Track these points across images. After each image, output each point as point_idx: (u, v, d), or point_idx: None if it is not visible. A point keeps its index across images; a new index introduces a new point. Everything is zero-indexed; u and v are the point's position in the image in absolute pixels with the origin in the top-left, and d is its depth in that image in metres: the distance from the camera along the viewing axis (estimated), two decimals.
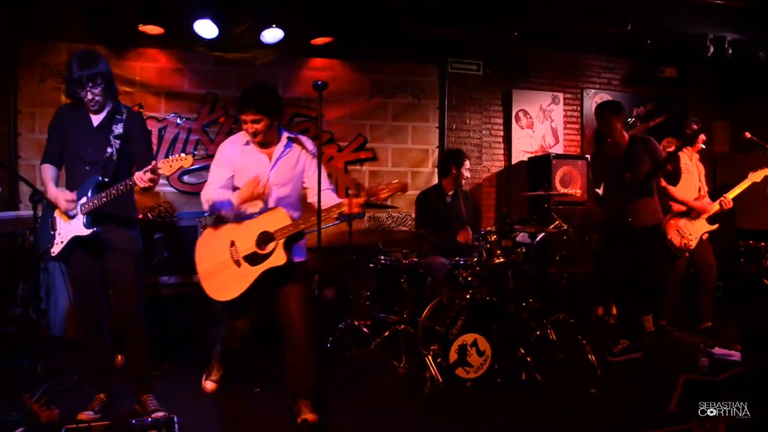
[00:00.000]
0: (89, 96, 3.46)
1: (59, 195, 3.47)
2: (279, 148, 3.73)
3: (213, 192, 3.66)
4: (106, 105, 3.59)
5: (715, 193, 5.84)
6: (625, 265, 5.11)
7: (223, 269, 3.67)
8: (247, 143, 3.73)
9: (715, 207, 5.65)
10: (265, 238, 3.58)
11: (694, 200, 5.68)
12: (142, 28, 5.61)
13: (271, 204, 3.67)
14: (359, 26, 6.13)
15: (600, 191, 5.28)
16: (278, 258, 3.54)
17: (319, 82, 3.18)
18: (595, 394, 4.20)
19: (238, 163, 3.72)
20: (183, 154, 3.30)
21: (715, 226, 5.75)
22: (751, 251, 6.64)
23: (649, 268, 5.13)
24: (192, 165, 3.35)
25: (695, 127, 5.64)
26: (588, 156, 6.87)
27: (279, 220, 3.58)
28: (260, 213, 3.67)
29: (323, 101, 3.37)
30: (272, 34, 5.79)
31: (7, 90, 5.72)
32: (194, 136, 6.17)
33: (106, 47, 5.78)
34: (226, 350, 4.17)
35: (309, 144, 3.82)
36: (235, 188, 3.72)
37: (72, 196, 3.45)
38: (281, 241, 3.54)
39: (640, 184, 4.95)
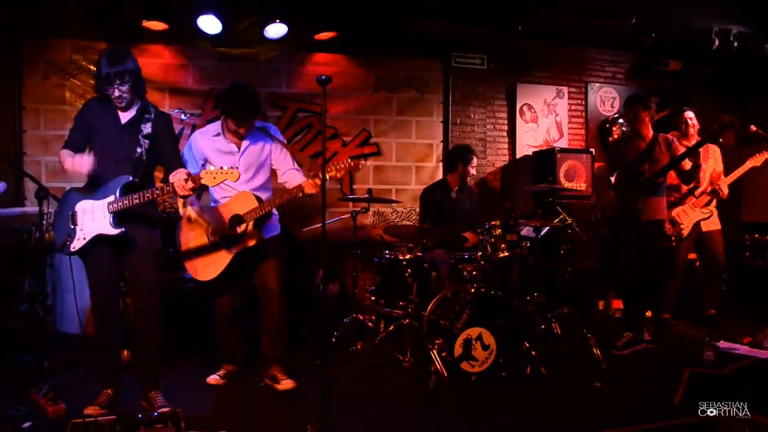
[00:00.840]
0: (116, 93, 3.48)
1: (76, 161, 3.43)
2: (246, 137, 4.12)
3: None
4: (134, 103, 3.61)
5: None
6: (632, 257, 5.14)
7: (202, 251, 4.02)
8: (218, 134, 4.13)
9: (707, 196, 5.69)
10: (236, 221, 3.92)
11: (691, 198, 5.74)
12: (146, 24, 5.63)
13: (242, 188, 4.01)
14: (363, 21, 6.12)
15: (613, 179, 5.31)
16: (250, 238, 3.90)
17: (323, 77, 3.17)
18: (599, 388, 4.19)
19: (209, 152, 4.12)
20: (227, 168, 3.35)
21: (710, 214, 5.75)
22: (756, 245, 6.62)
23: (651, 262, 5.16)
24: (237, 179, 3.42)
25: (687, 118, 5.65)
26: (593, 150, 6.86)
27: (247, 202, 3.91)
28: (229, 197, 4.07)
29: (327, 96, 3.37)
30: (276, 30, 5.79)
31: (12, 87, 5.74)
32: None
33: (109, 44, 5.78)
34: (221, 338, 4.36)
35: (272, 129, 4.26)
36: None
37: (92, 158, 3.43)
38: (251, 223, 3.88)
39: (655, 178, 5.00)
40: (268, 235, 4.11)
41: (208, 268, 3.99)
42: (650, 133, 5.12)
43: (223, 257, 3.94)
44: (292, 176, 4.19)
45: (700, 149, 5.48)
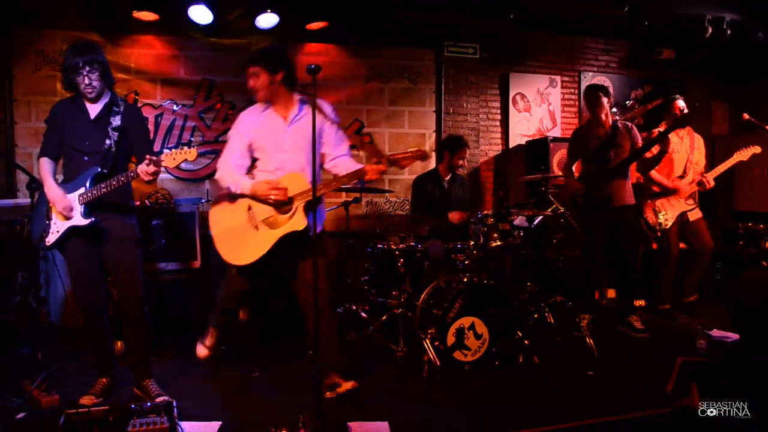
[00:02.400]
0: (86, 81, 3.47)
1: (58, 198, 3.46)
2: (293, 111, 3.74)
3: (229, 169, 3.72)
4: (103, 94, 3.61)
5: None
6: (603, 243, 5.29)
7: (240, 233, 3.69)
8: (265, 109, 3.76)
9: (694, 187, 5.71)
10: (283, 202, 3.60)
11: (673, 180, 5.73)
12: (137, 14, 5.59)
13: (288, 168, 3.69)
14: (354, 11, 6.09)
15: (574, 168, 5.47)
16: (298, 222, 3.54)
17: (312, 66, 3.16)
18: (592, 377, 4.22)
19: (255, 130, 3.74)
20: (186, 148, 3.32)
21: (694, 206, 5.76)
22: (750, 233, 6.64)
23: (624, 248, 5.31)
24: (195, 158, 3.36)
25: (679, 108, 5.67)
26: None
27: (297, 184, 3.58)
28: (277, 177, 3.68)
29: (319, 86, 3.35)
30: (267, 20, 5.77)
31: (2, 79, 5.71)
32: (191, 122, 6.16)
33: (100, 35, 5.77)
34: (220, 311, 4.10)
35: (326, 107, 3.82)
36: (253, 158, 3.80)
37: (70, 203, 3.46)
38: (300, 205, 3.54)
39: (622, 165, 5.18)
40: (319, 228, 3.76)
41: (247, 251, 3.65)
42: (609, 120, 5.30)
43: (265, 240, 3.60)
44: (344, 163, 3.81)
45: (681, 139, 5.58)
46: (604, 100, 5.26)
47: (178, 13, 5.60)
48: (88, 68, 3.45)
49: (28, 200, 4.41)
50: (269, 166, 3.74)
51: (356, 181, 3.67)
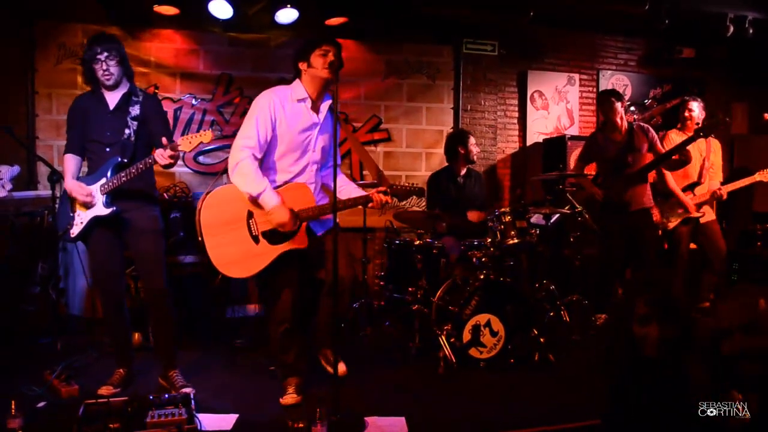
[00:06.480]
0: (104, 67, 3.53)
1: (75, 188, 3.50)
2: (323, 109, 3.63)
3: (252, 168, 3.40)
4: (122, 83, 3.65)
5: (731, 177, 5.78)
6: (620, 246, 5.28)
7: (238, 242, 3.38)
8: (300, 101, 3.56)
9: (706, 197, 5.57)
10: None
11: (687, 193, 5.60)
12: (157, 8, 5.62)
13: (309, 170, 3.60)
14: (374, 6, 6.10)
15: (585, 171, 5.50)
16: (300, 240, 3.40)
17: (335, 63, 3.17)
18: None
19: (285, 123, 3.49)
20: (202, 131, 3.36)
21: (701, 214, 5.63)
22: None
23: (645, 249, 5.28)
24: (211, 140, 3.38)
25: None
26: None
27: (303, 198, 3.43)
28: (285, 183, 3.54)
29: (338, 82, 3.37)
30: (286, 15, 5.79)
31: (25, 71, 5.76)
32: (209, 116, 6.19)
33: (121, 28, 5.80)
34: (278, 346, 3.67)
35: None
36: (272, 155, 3.57)
37: (89, 190, 3.50)
38: (304, 224, 3.42)
39: (644, 171, 5.16)
40: (322, 231, 3.68)
41: (245, 264, 3.38)
42: (624, 124, 5.28)
43: (265, 254, 3.36)
44: (344, 186, 3.66)
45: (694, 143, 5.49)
46: (618, 104, 5.26)
47: (199, 7, 5.62)
48: (106, 54, 3.52)
49: (49, 192, 4.47)
50: (293, 168, 3.58)
51: (361, 204, 3.62)
